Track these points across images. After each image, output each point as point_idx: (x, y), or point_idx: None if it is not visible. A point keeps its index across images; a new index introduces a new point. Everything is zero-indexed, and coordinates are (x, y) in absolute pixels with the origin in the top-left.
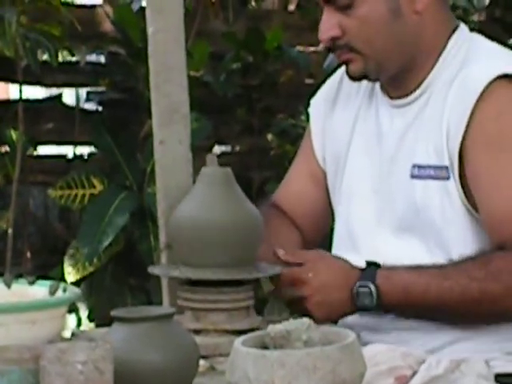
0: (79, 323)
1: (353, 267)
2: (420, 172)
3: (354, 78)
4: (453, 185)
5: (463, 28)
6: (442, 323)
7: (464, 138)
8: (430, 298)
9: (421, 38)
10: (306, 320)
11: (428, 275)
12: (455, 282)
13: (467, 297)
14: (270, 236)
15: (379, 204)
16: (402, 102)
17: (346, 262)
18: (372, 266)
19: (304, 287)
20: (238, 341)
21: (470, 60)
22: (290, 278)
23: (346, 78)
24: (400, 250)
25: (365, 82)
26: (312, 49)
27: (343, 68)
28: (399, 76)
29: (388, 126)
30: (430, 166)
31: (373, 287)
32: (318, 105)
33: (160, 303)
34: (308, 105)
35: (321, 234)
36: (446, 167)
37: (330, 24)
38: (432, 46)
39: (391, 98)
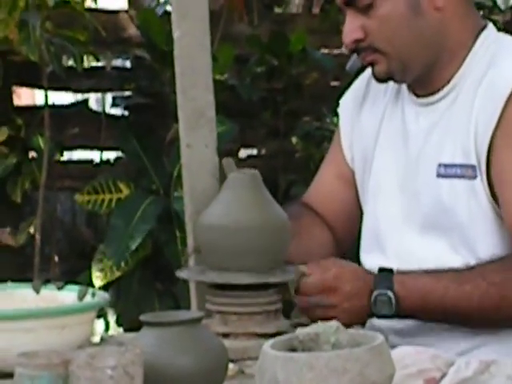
0: (107, 328)
1: (367, 273)
2: (446, 171)
3: (380, 79)
4: (480, 184)
5: (491, 27)
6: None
7: (493, 138)
8: (448, 302)
9: (444, 34)
10: (334, 323)
11: (446, 280)
12: (474, 286)
13: (486, 302)
14: (301, 233)
15: (405, 203)
16: (428, 101)
17: (361, 268)
18: (386, 270)
19: (333, 295)
20: (267, 344)
21: (498, 59)
22: (319, 285)
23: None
24: (425, 249)
25: (392, 83)
26: (336, 51)
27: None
28: (425, 75)
29: (414, 125)
30: (456, 165)
31: (391, 294)
32: (346, 105)
33: (187, 307)
34: (337, 105)
35: (352, 234)
36: (473, 166)
37: (352, 27)
38: (457, 44)
39: (417, 96)
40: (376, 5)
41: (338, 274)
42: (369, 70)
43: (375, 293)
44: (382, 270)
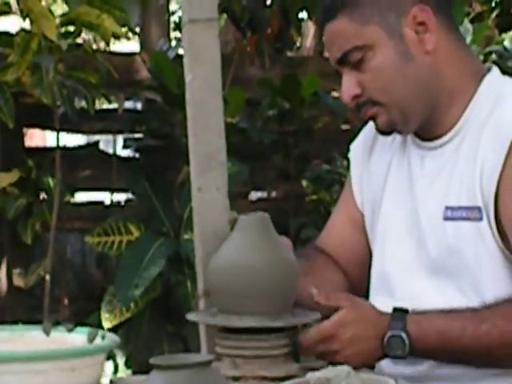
0: (116, 370)
1: (381, 314)
2: (453, 214)
3: (384, 131)
4: (486, 226)
5: (495, 70)
6: (477, 372)
7: (500, 178)
8: (466, 342)
9: (439, 78)
10: (345, 367)
11: (463, 319)
12: (492, 325)
13: (506, 340)
14: (314, 273)
15: (412, 246)
16: (433, 145)
17: (374, 309)
18: (399, 311)
19: (334, 342)
20: None
21: (503, 101)
22: (319, 335)
23: None
24: (434, 293)
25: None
26: None
27: None
28: (427, 120)
29: (419, 168)
30: (461, 208)
31: (404, 336)
32: (356, 151)
33: (197, 350)
34: (347, 150)
35: (364, 277)
36: (479, 208)
37: (349, 84)
38: (456, 87)
39: (422, 140)
40: (367, 58)
41: (336, 321)
42: None
43: (388, 334)
44: (396, 309)
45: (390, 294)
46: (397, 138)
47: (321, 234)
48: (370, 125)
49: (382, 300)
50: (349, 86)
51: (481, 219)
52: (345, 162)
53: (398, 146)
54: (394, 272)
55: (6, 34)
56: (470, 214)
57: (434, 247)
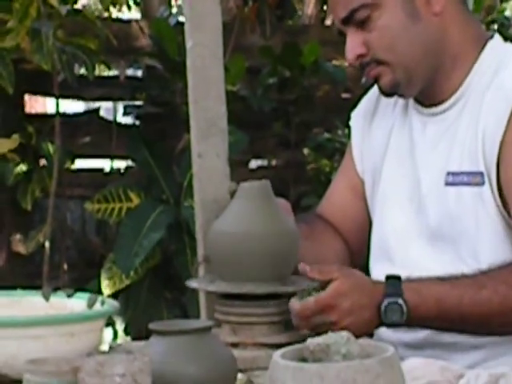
0: (115, 336)
1: (375, 283)
2: (454, 179)
3: (386, 92)
4: (488, 191)
5: (498, 38)
6: (477, 340)
7: (502, 143)
8: (466, 309)
9: (445, 41)
10: (344, 333)
11: (462, 286)
12: (493, 291)
13: (507, 305)
14: (313, 237)
15: (412, 212)
16: (435, 111)
17: (367, 278)
18: (393, 279)
19: (332, 312)
20: (277, 354)
21: (504, 66)
22: (317, 306)
23: None
24: (432, 259)
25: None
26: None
27: None
28: (430, 84)
29: (420, 134)
30: (463, 173)
31: (402, 302)
32: (357, 118)
33: (196, 317)
34: (348, 119)
35: (364, 245)
36: (481, 173)
37: (353, 43)
38: (460, 51)
39: (424, 106)
40: (373, 17)
41: (334, 292)
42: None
43: (385, 301)
44: (389, 277)
45: (390, 261)
46: (398, 104)
47: (321, 202)
48: (371, 92)
49: (381, 267)
50: (353, 46)
51: (482, 184)
52: (346, 131)
53: (399, 113)
54: (393, 239)
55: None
56: (472, 179)
57: (435, 213)
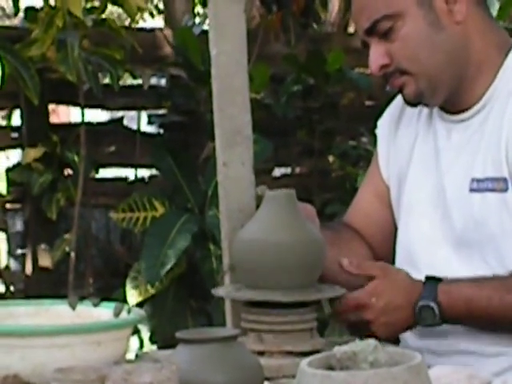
0: (141, 345)
1: (414, 282)
2: (478, 185)
3: (411, 102)
4: (511, 196)
5: None
6: (504, 347)
7: None
8: (493, 311)
9: (468, 49)
10: (372, 341)
11: (490, 288)
12: None
13: None
14: (340, 245)
15: (437, 219)
16: (460, 118)
17: (407, 276)
18: (432, 280)
19: (368, 311)
20: (304, 362)
21: None
22: (353, 303)
23: None
24: (458, 265)
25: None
26: None
27: None
28: (454, 92)
29: (445, 141)
30: (487, 179)
31: (435, 305)
32: (383, 126)
33: (221, 325)
34: (374, 126)
35: (390, 252)
36: (505, 179)
37: (377, 54)
38: (483, 59)
39: (449, 113)
40: (396, 27)
41: (370, 290)
42: None
43: (419, 303)
44: (429, 278)
45: (415, 267)
46: (423, 112)
47: (348, 210)
48: (396, 100)
49: None
50: (377, 56)
51: (506, 190)
52: (371, 138)
53: (423, 120)
54: (418, 245)
55: (32, 9)
56: (496, 184)
57: (460, 219)
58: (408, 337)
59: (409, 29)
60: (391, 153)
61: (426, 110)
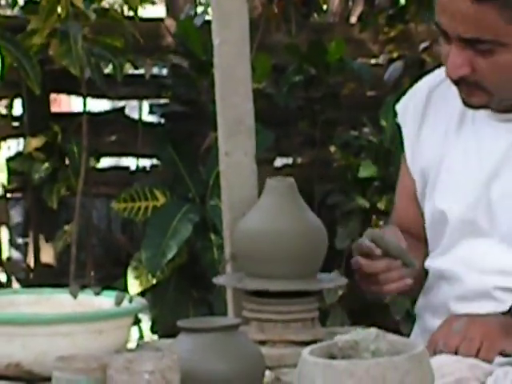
0: (142, 335)
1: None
2: None
3: (473, 107)
4: None
5: None
6: None
7: None
8: None
9: None
10: (373, 330)
11: None
12: None
13: None
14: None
15: (479, 220)
16: (510, 117)
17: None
18: None
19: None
20: (306, 351)
21: None
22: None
23: (436, 92)
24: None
25: (455, 96)
26: (374, 61)
27: (429, 79)
28: None
29: (492, 141)
30: None
31: None
32: (405, 118)
33: (222, 315)
34: (376, 115)
35: None
36: None
37: (459, 61)
38: None
39: (495, 111)
40: (496, 51)
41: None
42: (424, 83)
43: None
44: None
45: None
46: (451, 107)
47: (391, 215)
48: (420, 93)
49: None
50: (459, 63)
51: None
52: (373, 129)
53: (454, 117)
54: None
55: (31, 1)
56: None
57: (506, 220)
58: (425, 316)
59: (508, 59)
60: (415, 148)
61: (455, 103)
